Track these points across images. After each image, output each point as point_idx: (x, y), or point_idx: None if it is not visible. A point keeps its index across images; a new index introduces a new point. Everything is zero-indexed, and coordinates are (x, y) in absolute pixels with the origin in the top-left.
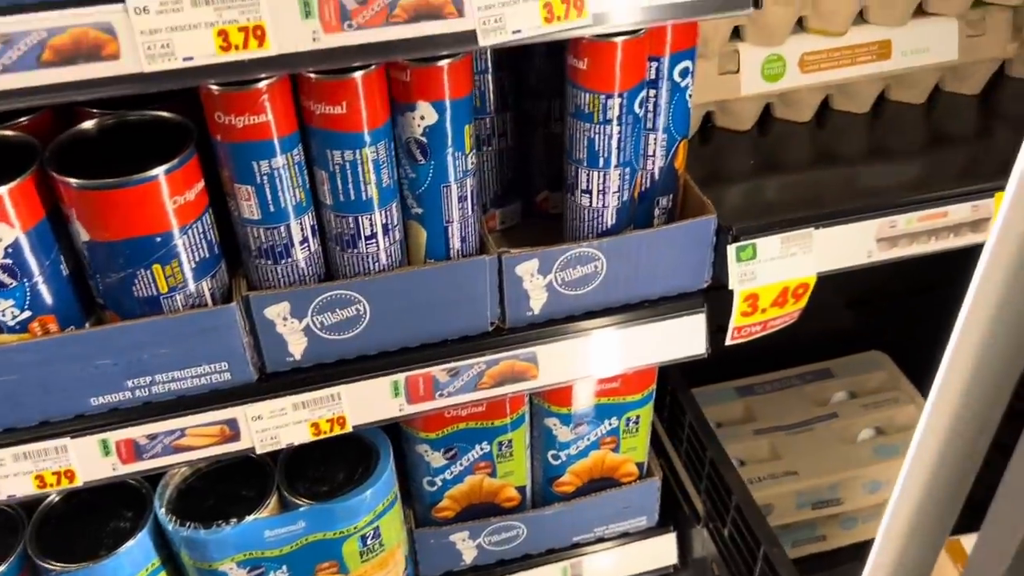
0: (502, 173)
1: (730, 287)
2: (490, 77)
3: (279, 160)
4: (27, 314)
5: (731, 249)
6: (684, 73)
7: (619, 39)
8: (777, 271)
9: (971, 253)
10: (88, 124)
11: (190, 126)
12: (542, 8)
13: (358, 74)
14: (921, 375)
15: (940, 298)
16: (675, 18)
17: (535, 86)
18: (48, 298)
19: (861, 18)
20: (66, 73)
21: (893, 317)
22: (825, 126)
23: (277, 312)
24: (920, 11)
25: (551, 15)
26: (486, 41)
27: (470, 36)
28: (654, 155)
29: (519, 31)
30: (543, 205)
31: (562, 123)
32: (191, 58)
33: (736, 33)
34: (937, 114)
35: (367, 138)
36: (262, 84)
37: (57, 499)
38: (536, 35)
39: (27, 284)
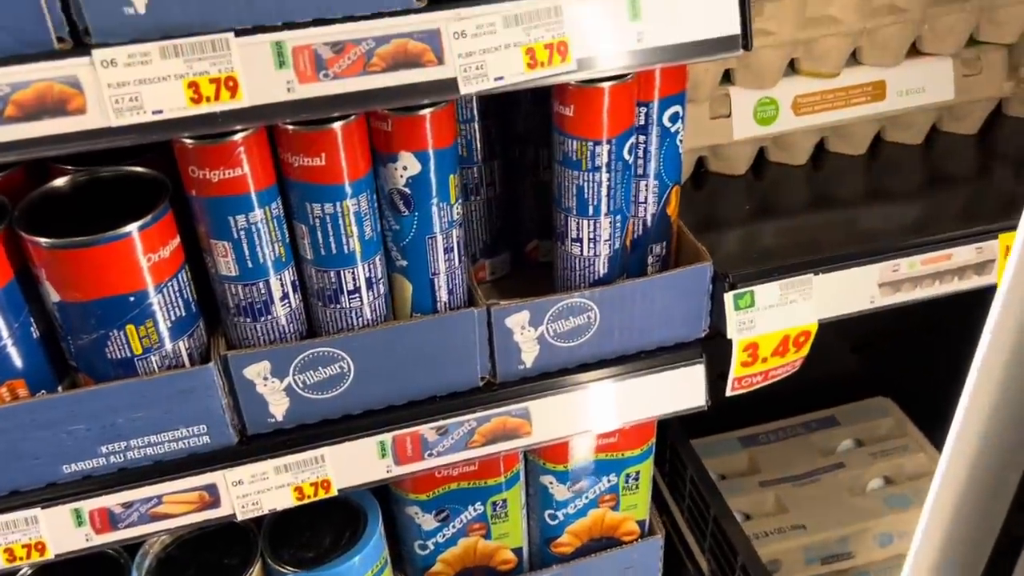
0: (490, 222)
1: (728, 336)
2: (476, 125)
3: (257, 214)
4: None
5: (728, 297)
6: (674, 118)
7: (606, 84)
8: (777, 319)
9: (976, 293)
10: (60, 181)
11: (164, 181)
12: (524, 54)
13: (337, 124)
14: (928, 420)
15: (945, 340)
16: (663, 62)
17: (522, 134)
18: (17, 361)
19: (854, 59)
20: (30, 129)
21: (897, 360)
22: (821, 168)
23: (257, 372)
24: (914, 51)
25: (534, 61)
26: (467, 89)
27: (451, 84)
28: (646, 202)
29: (501, 78)
30: (533, 254)
31: (550, 170)
32: (160, 111)
33: (727, 76)
34: (935, 154)
35: (348, 190)
36: (237, 137)
37: (29, 572)
38: (519, 82)
39: None
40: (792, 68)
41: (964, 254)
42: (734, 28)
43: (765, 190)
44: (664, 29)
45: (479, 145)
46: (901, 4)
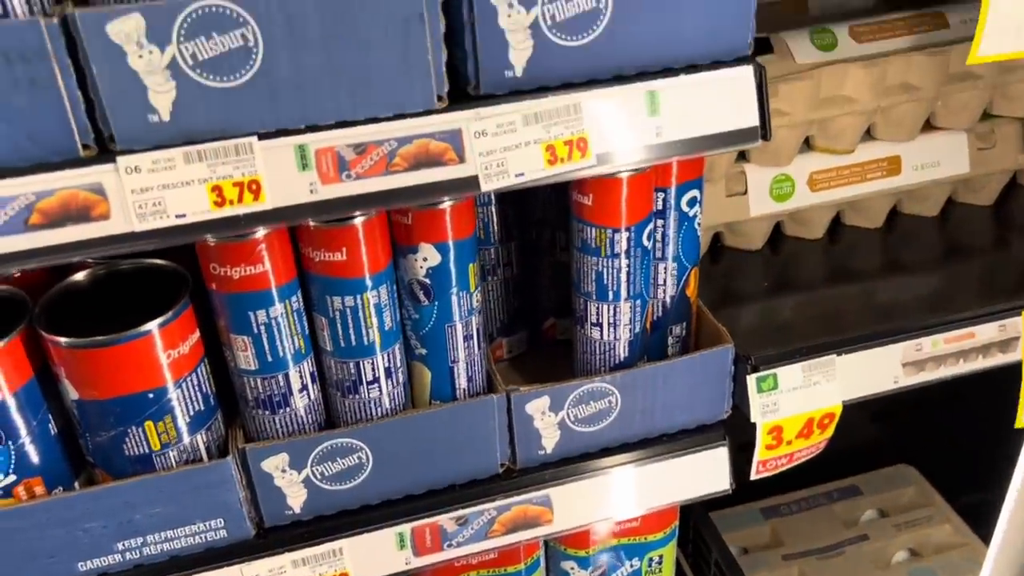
0: (508, 302)
1: (752, 419)
2: (493, 209)
3: (277, 309)
4: (12, 478)
5: (751, 379)
6: (692, 202)
7: (624, 174)
8: (800, 402)
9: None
10: (80, 275)
11: (184, 274)
12: (545, 151)
13: (358, 220)
14: (951, 488)
15: (966, 406)
16: (681, 154)
17: (539, 216)
18: (35, 459)
19: (869, 135)
20: (54, 236)
21: (918, 427)
22: (838, 242)
23: (275, 464)
24: (929, 125)
25: (554, 157)
26: (488, 186)
27: (472, 182)
28: (665, 284)
29: (522, 174)
30: (550, 332)
31: (567, 252)
32: (184, 215)
33: (742, 155)
34: (951, 226)
35: (368, 282)
36: (259, 234)
37: None
38: (539, 178)
39: (12, 447)
40: (807, 145)
41: (987, 332)
42: (752, 120)
43: (782, 264)
44: (682, 123)
45: (496, 227)
46: (915, 83)
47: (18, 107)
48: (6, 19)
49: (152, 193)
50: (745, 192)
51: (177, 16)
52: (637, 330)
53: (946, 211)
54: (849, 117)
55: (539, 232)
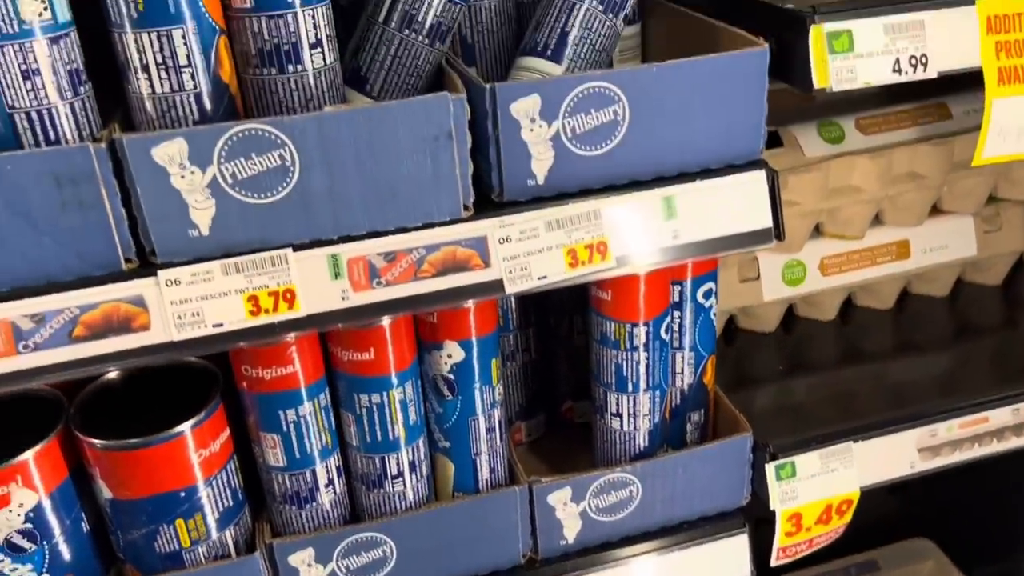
0: (526, 386)
1: (771, 507)
2: (512, 298)
3: (306, 407)
4: None
5: (770, 468)
6: (708, 294)
7: (642, 272)
8: (819, 488)
9: None
10: (113, 374)
11: (216, 372)
12: (566, 255)
13: (386, 321)
14: (969, 561)
15: (982, 478)
16: (698, 255)
17: (556, 301)
18: (67, 556)
19: (878, 220)
20: (96, 347)
21: (935, 500)
22: (850, 322)
23: (302, 559)
24: (935, 210)
25: (576, 260)
26: (512, 289)
27: (496, 285)
28: (683, 372)
29: (545, 277)
30: (568, 414)
31: (584, 336)
32: (221, 324)
33: None
34: (961, 305)
35: (395, 380)
36: (290, 337)
37: None
38: (562, 280)
39: (47, 546)
40: (818, 230)
41: (1001, 416)
42: (766, 222)
43: (796, 345)
44: (698, 226)
45: (515, 314)
46: (921, 171)
47: (67, 227)
48: (57, 145)
49: (191, 304)
50: (758, 277)
51: (219, 139)
52: (656, 419)
53: (956, 291)
54: (858, 206)
55: (557, 318)
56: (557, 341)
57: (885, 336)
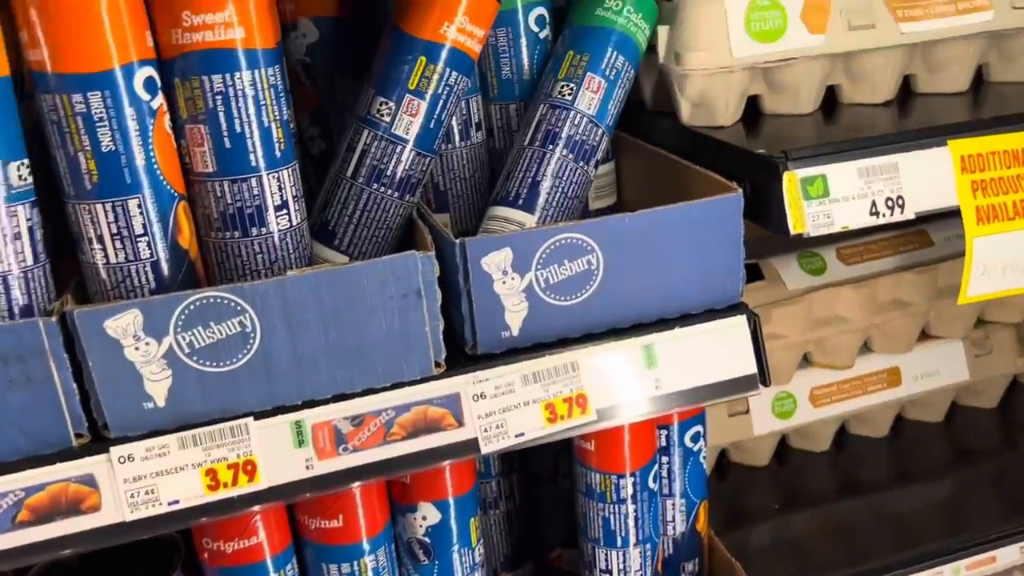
0: (511, 534)
1: None
2: None
3: None
4: None
5: None
6: (696, 437)
7: (624, 423)
8: None
9: None
10: None
11: (177, 542)
12: (544, 410)
13: (356, 486)
14: None
15: None
16: (682, 405)
17: (541, 445)
18: None
19: (867, 348)
20: (42, 532)
21: None
22: (844, 451)
23: None
24: (924, 335)
25: (554, 415)
26: (488, 448)
27: (471, 445)
28: (674, 521)
29: (522, 434)
30: (556, 562)
31: (570, 479)
32: (176, 501)
33: None
34: (957, 429)
35: (366, 547)
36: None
37: None
38: (540, 437)
39: None
40: (806, 360)
41: (1009, 555)
42: (750, 368)
43: (790, 479)
44: (681, 374)
45: (496, 461)
46: (906, 298)
47: (11, 405)
48: (8, 317)
49: (145, 481)
50: (747, 411)
51: (175, 309)
52: (648, 575)
53: (951, 415)
54: (844, 335)
55: (541, 460)
56: (542, 485)
57: (881, 466)
